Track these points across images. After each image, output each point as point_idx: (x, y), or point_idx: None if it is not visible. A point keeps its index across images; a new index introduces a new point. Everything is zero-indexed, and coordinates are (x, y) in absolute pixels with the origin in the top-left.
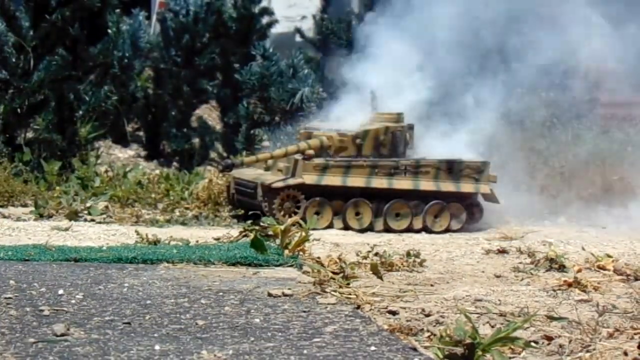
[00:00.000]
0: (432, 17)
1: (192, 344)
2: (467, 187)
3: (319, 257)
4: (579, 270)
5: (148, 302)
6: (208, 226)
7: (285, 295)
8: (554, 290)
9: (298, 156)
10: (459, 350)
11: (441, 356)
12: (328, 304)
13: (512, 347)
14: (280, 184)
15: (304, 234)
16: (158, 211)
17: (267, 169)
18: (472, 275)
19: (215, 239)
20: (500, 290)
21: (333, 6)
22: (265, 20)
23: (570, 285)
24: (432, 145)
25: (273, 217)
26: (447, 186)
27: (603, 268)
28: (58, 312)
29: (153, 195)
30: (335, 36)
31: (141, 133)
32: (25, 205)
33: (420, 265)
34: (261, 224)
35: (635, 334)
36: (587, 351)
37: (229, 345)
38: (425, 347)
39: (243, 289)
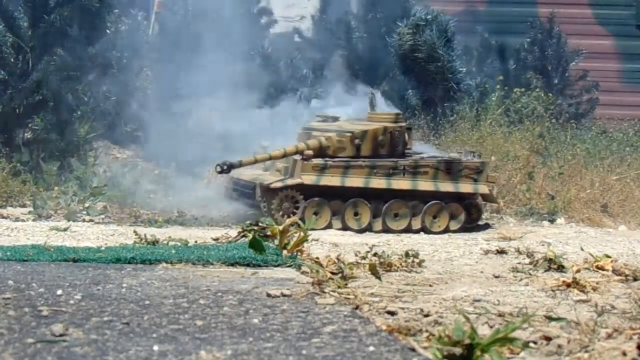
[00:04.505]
0: None
1: (191, 344)
2: (465, 187)
3: (317, 258)
4: (578, 271)
5: (147, 302)
6: (207, 226)
7: (283, 295)
8: (553, 291)
9: (297, 156)
10: (457, 350)
11: (440, 356)
12: (327, 304)
13: (511, 347)
14: (278, 185)
15: (302, 234)
16: (156, 211)
17: (265, 169)
18: (471, 275)
19: (214, 239)
20: (499, 290)
21: (331, 6)
22: (264, 20)
23: (568, 285)
24: None
25: (272, 218)
26: (446, 186)
27: (602, 268)
28: (57, 313)
29: (151, 195)
30: (334, 36)
31: (139, 133)
32: (23, 206)
33: (418, 266)
34: (260, 224)
35: (633, 334)
36: (586, 351)
37: (228, 346)
38: (424, 348)
39: (242, 289)
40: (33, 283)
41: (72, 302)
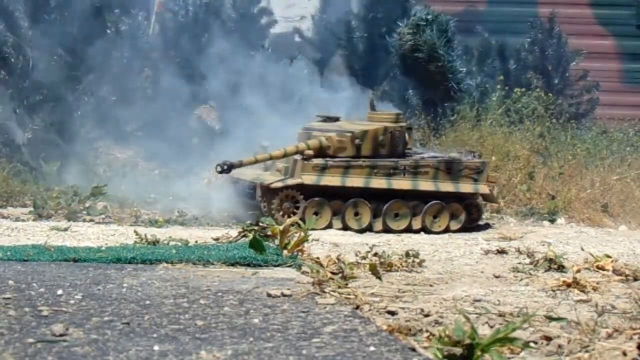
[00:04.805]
0: None
1: (191, 344)
2: (466, 187)
3: (317, 258)
4: (578, 271)
5: (147, 302)
6: (207, 226)
7: (284, 295)
8: (553, 291)
9: (297, 156)
10: (457, 350)
11: (440, 356)
12: (327, 304)
13: (511, 347)
14: (279, 184)
15: (302, 234)
16: (157, 211)
17: (266, 169)
18: (471, 275)
19: (214, 239)
20: (499, 290)
21: (332, 6)
22: (264, 20)
23: (569, 285)
24: None
25: (272, 218)
26: (446, 186)
27: (602, 268)
28: (57, 313)
29: (152, 195)
30: (334, 36)
31: (140, 133)
32: (24, 206)
33: (419, 266)
34: (260, 224)
35: (634, 334)
36: (586, 351)
37: (228, 346)
38: (424, 348)
39: (242, 289)
40: (33, 283)
41: (72, 302)
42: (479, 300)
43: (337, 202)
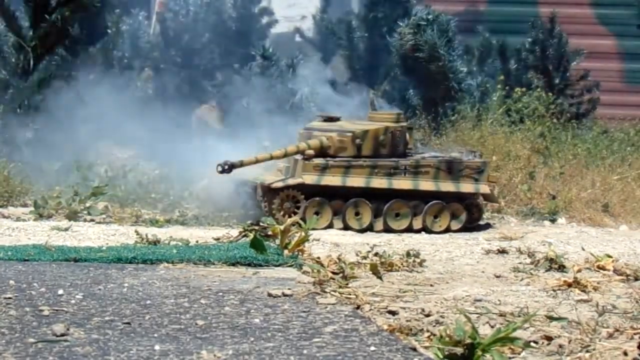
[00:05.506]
0: None
1: (192, 344)
2: (466, 187)
3: (318, 257)
4: (579, 271)
5: (148, 302)
6: (208, 226)
7: (285, 295)
8: (554, 291)
9: (298, 156)
10: (458, 350)
11: (441, 356)
12: (328, 304)
13: (512, 347)
14: (279, 184)
15: (303, 234)
16: (158, 211)
17: (266, 169)
18: (472, 275)
19: (215, 239)
20: (500, 290)
21: (332, 6)
22: (265, 20)
23: (570, 285)
24: None
25: (273, 217)
26: (447, 186)
27: (603, 268)
28: (58, 312)
29: (153, 195)
30: (335, 36)
31: (141, 133)
32: (24, 206)
33: (419, 266)
34: (261, 224)
35: (634, 334)
36: (587, 351)
37: (229, 346)
38: (425, 347)
39: (243, 289)
40: (34, 283)
41: (73, 301)
42: (479, 300)
43: (337, 201)
